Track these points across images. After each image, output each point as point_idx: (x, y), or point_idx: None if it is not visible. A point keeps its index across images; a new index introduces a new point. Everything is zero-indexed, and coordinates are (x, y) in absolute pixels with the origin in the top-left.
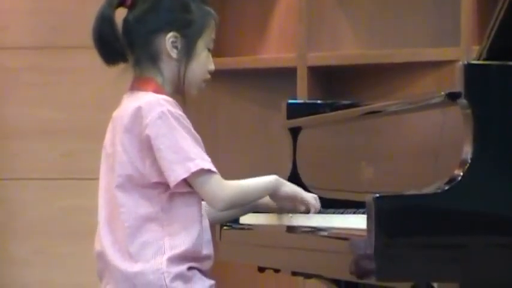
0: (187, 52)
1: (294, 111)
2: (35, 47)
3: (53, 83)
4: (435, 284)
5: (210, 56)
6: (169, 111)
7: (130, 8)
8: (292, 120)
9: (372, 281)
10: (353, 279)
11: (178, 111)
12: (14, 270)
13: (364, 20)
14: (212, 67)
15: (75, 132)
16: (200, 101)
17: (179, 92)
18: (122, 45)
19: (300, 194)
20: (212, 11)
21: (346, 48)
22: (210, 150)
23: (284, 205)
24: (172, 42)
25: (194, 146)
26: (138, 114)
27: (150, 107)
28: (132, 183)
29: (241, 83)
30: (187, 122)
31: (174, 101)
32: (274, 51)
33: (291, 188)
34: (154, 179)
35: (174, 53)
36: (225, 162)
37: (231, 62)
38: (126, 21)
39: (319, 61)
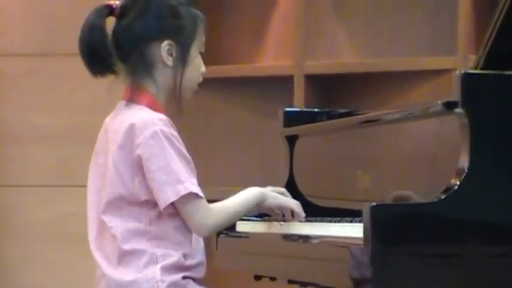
0: (183, 59)
1: (291, 119)
2: (32, 53)
3: (50, 89)
4: None
5: (201, 58)
6: (162, 131)
7: (119, 16)
8: (289, 128)
9: None
10: (350, 287)
11: (171, 131)
12: (8, 275)
13: (361, 29)
14: (204, 69)
15: (72, 138)
16: (197, 109)
17: (173, 99)
18: (111, 56)
19: (285, 203)
20: (200, 13)
21: (343, 57)
22: (207, 158)
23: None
24: (168, 50)
25: (184, 169)
26: (130, 132)
27: (144, 125)
28: (121, 201)
29: (238, 91)
30: (180, 143)
31: (168, 119)
32: (271, 59)
33: (276, 200)
34: (143, 197)
35: (169, 61)
36: (222, 170)
37: (228, 70)
38: (115, 31)
39: (316, 69)
